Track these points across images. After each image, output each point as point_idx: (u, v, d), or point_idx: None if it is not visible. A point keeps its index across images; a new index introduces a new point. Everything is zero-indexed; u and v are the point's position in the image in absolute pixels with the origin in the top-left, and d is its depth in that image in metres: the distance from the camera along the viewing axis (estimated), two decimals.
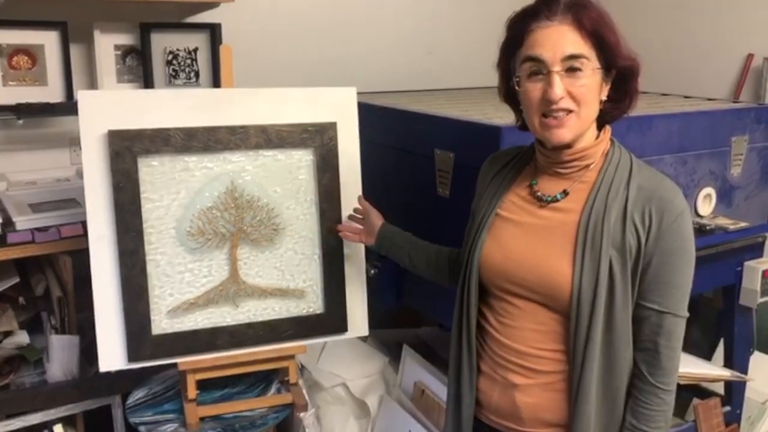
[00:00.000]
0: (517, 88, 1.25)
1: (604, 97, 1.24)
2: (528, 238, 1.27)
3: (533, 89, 1.21)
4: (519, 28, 1.23)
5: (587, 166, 1.26)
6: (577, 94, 1.18)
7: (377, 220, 1.69)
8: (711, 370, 2.17)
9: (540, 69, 1.19)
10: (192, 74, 2.43)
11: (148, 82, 2.37)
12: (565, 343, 1.23)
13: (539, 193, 1.28)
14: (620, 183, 1.22)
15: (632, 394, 1.24)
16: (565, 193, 1.26)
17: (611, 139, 1.29)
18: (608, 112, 1.27)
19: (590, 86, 1.19)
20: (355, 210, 1.75)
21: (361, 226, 1.74)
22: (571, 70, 1.18)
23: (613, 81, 1.25)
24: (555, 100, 1.17)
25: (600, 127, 1.28)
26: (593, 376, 1.20)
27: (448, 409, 1.42)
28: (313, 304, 1.82)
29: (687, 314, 1.22)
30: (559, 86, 1.17)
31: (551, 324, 1.25)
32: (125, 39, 2.38)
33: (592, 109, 1.22)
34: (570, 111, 1.19)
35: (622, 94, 1.27)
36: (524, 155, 1.37)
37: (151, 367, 1.74)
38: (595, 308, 1.18)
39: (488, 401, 1.34)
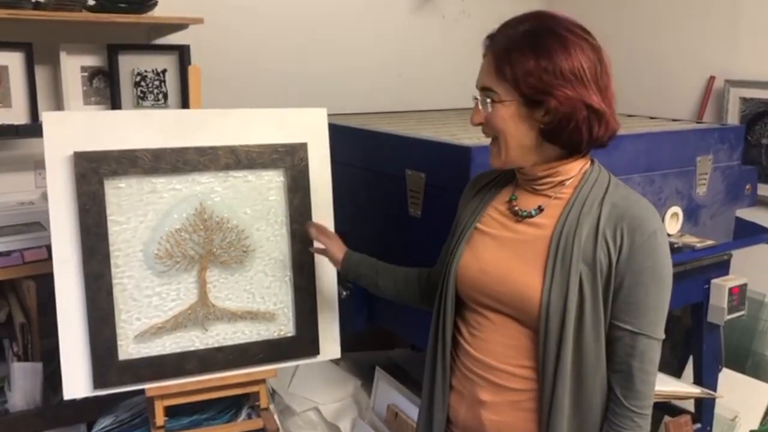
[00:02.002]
0: None
1: (542, 126, 1.21)
2: (502, 251, 1.27)
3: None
4: None
5: (562, 182, 1.26)
6: (491, 124, 1.23)
7: (339, 251, 1.64)
8: (681, 388, 2.19)
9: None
10: (160, 96, 2.41)
11: (115, 104, 2.34)
12: (536, 359, 1.23)
13: (516, 208, 1.29)
14: (594, 200, 1.22)
15: (607, 418, 1.23)
16: (540, 209, 1.26)
17: (592, 159, 1.29)
18: (559, 140, 1.22)
19: (502, 117, 1.21)
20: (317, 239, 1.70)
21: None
22: (488, 100, 1.22)
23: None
24: (472, 125, 1.26)
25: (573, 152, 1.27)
26: (565, 395, 1.19)
27: (419, 425, 1.42)
28: (284, 326, 1.80)
29: (662, 336, 1.20)
30: (475, 113, 1.25)
31: (522, 339, 1.24)
32: (92, 60, 2.35)
33: (512, 139, 1.22)
34: (495, 137, 1.25)
35: (556, 124, 1.21)
36: (509, 173, 1.37)
37: (118, 393, 1.70)
38: (564, 323, 1.18)
39: (456, 417, 1.34)
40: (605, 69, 1.22)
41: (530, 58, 1.17)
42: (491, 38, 1.24)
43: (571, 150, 1.23)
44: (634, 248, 1.17)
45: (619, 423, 1.21)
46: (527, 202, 1.29)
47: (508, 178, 1.36)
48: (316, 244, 1.71)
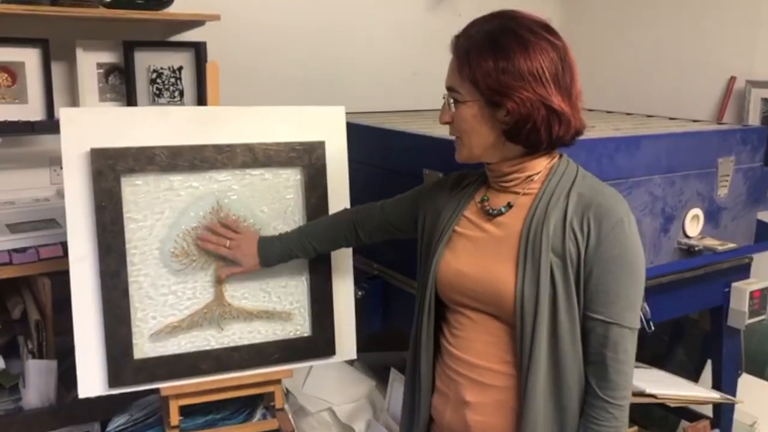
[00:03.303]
0: None
1: (505, 126, 1.21)
2: (477, 251, 1.29)
3: None
4: None
5: (530, 177, 1.26)
6: (455, 123, 1.25)
7: (250, 243, 1.66)
8: (700, 393, 2.16)
9: None
10: (176, 93, 2.40)
11: (131, 101, 2.33)
12: (514, 355, 1.23)
13: (487, 207, 1.30)
14: (562, 192, 1.23)
15: (584, 411, 1.23)
16: (510, 205, 1.27)
17: (560, 154, 1.29)
18: (520, 139, 1.22)
19: (464, 117, 1.23)
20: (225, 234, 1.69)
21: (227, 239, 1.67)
22: (452, 101, 1.24)
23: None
24: (440, 123, 1.29)
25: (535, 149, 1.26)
26: (539, 386, 1.19)
27: (401, 427, 1.44)
28: (300, 326, 1.78)
29: (636, 326, 1.20)
30: (442, 111, 1.27)
31: (501, 335, 1.25)
32: (108, 57, 2.34)
33: (475, 138, 1.23)
34: (458, 136, 1.26)
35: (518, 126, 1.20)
36: (482, 176, 1.38)
37: (132, 392, 1.69)
38: (537, 314, 1.19)
39: (441, 419, 1.35)
40: (569, 69, 1.21)
41: (489, 59, 1.17)
42: (457, 38, 1.24)
43: (532, 149, 1.23)
44: (601, 237, 1.18)
45: (594, 414, 1.21)
46: (497, 200, 1.30)
47: (483, 180, 1.37)
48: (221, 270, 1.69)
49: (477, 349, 1.28)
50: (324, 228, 1.67)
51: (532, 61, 1.16)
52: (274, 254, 1.66)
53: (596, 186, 1.24)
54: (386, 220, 1.57)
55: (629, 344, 1.20)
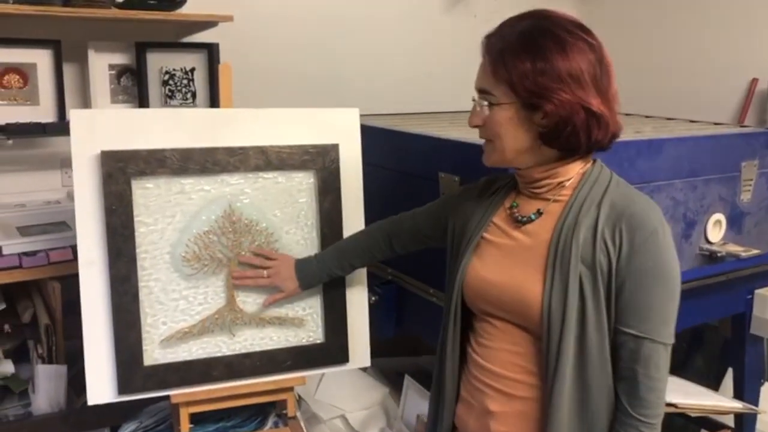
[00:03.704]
0: None
1: (541, 129, 1.17)
2: (506, 259, 1.25)
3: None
4: None
5: (560, 183, 1.22)
6: (488, 126, 1.20)
7: (288, 267, 1.66)
8: (722, 402, 2.10)
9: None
10: (189, 95, 2.38)
11: (143, 103, 2.32)
12: (540, 366, 1.19)
13: (516, 214, 1.26)
14: (594, 200, 1.18)
15: (614, 428, 1.18)
16: (539, 212, 1.23)
17: (594, 159, 1.25)
18: (558, 143, 1.18)
19: (498, 120, 1.18)
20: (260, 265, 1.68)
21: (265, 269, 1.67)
22: (485, 104, 1.19)
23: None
24: (470, 126, 1.24)
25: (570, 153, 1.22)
26: (564, 401, 1.15)
27: None
28: (312, 333, 1.75)
29: (669, 341, 1.15)
30: (473, 115, 1.22)
31: (526, 345, 1.22)
32: (120, 58, 2.33)
33: (508, 142, 1.19)
34: (489, 139, 1.22)
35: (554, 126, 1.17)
36: (512, 181, 1.34)
37: (142, 399, 1.65)
38: (564, 326, 1.14)
39: (464, 428, 1.32)
40: (606, 69, 1.17)
41: (526, 61, 1.13)
42: (488, 38, 1.20)
43: (569, 153, 1.19)
44: (634, 248, 1.13)
45: None
46: (527, 207, 1.26)
47: (512, 185, 1.33)
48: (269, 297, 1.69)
49: (502, 359, 1.24)
50: (359, 244, 1.64)
51: (570, 62, 1.12)
52: (312, 275, 1.65)
53: (630, 194, 1.20)
54: (419, 230, 1.55)
55: (662, 360, 1.15)
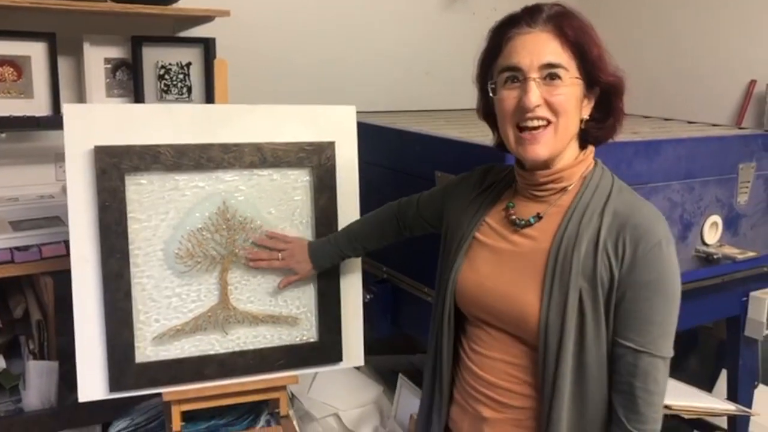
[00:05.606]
0: (492, 96, 1.19)
1: (586, 116, 1.18)
2: (500, 264, 1.21)
3: (508, 97, 1.15)
4: (498, 37, 1.18)
5: (564, 188, 1.19)
6: (555, 102, 1.12)
7: (301, 250, 1.66)
8: (715, 404, 2.10)
9: (517, 77, 1.13)
10: (184, 89, 2.36)
11: (138, 97, 2.30)
12: (536, 377, 1.16)
13: (514, 217, 1.22)
14: (596, 209, 1.14)
15: None
16: (539, 217, 1.19)
17: (595, 160, 1.22)
18: (591, 133, 1.20)
19: (569, 96, 1.13)
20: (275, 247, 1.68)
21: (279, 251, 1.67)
22: (550, 78, 1.12)
23: (596, 100, 1.19)
24: (530, 107, 1.11)
25: (582, 148, 1.21)
26: (562, 415, 1.12)
27: None
28: (306, 332, 1.73)
29: (669, 355, 1.12)
30: (534, 93, 1.11)
31: (522, 357, 1.18)
32: (116, 52, 2.31)
33: (570, 122, 1.14)
34: (547, 123, 1.13)
35: (605, 113, 1.19)
36: (508, 176, 1.31)
37: (134, 396, 1.64)
38: (563, 342, 1.11)
39: (459, 430, 1.30)
40: None
41: (592, 33, 1.15)
42: (536, 11, 1.15)
43: (597, 141, 1.21)
44: (636, 260, 1.09)
45: None
46: (525, 209, 1.22)
47: (508, 182, 1.29)
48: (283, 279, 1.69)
49: (497, 369, 1.21)
50: (370, 226, 1.64)
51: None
52: (325, 257, 1.65)
53: (633, 202, 1.15)
54: (420, 215, 1.53)
55: (660, 374, 1.11)
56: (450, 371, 1.31)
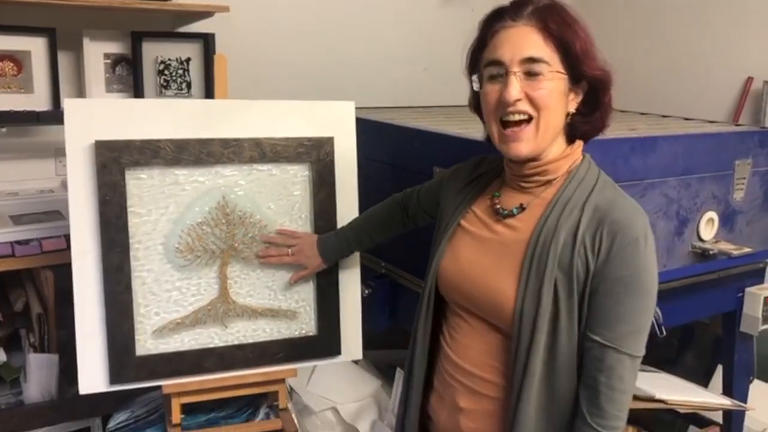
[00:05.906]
0: (478, 90, 1.20)
1: (572, 110, 1.18)
2: (481, 253, 1.22)
3: (491, 91, 1.16)
4: (484, 30, 1.20)
5: (549, 181, 1.20)
6: (536, 97, 1.12)
7: (311, 245, 1.67)
8: (711, 399, 2.12)
9: (500, 71, 1.14)
10: (184, 85, 2.37)
11: (138, 92, 2.30)
12: (509, 367, 1.16)
13: (498, 207, 1.23)
14: (577, 202, 1.15)
15: None
16: (522, 208, 1.20)
17: (584, 155, 1.23)
18: (578, 128, 1.20)
19: (551, 91, 1.12)
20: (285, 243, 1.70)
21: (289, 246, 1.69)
22: (531, 74, 1.12)
23: (584, 94, 1.19)
24: (510, 102, 1.12)
25: (570, 142, 1.22)
26: (531, 406, 1.12)
27: (396, 422, 1.40)
28: (305, 325, 1.75)
29: (637, 353, 1.10)
30: (515, 87, 1.11)
31: (496, 344, 1.19)
32: (115, 47, 2.31)
33: (553, 117, 1.14)
34: (529, 118, 1.13)
35: (592, 107, 1.20)
36: (499, 166, 1.31)
37: (134, 389, 1.66)
38: (535, 332, 1.11)
39: (437, 419, 1.31)
40: None
41: (577, 27, 1.14)
42: (522, 5, 1.15)
43: (585, 136, 1.21)
44: (612, 254, 1.09)
45: None
46: (510, 200, 1.23)
47: (497, 173, 1.30)
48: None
49: (473, 357, 1.22)
50: (376, 219, 1.65)
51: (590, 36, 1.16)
52: (335, 251, 1.67)
53: (615, 198, 1.15)
54: (421, 206, 1.55)
55: (627, 372, 1.10)
56: (425, 356, 1.31)
